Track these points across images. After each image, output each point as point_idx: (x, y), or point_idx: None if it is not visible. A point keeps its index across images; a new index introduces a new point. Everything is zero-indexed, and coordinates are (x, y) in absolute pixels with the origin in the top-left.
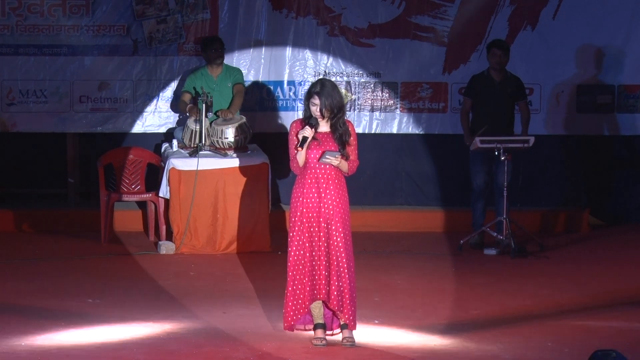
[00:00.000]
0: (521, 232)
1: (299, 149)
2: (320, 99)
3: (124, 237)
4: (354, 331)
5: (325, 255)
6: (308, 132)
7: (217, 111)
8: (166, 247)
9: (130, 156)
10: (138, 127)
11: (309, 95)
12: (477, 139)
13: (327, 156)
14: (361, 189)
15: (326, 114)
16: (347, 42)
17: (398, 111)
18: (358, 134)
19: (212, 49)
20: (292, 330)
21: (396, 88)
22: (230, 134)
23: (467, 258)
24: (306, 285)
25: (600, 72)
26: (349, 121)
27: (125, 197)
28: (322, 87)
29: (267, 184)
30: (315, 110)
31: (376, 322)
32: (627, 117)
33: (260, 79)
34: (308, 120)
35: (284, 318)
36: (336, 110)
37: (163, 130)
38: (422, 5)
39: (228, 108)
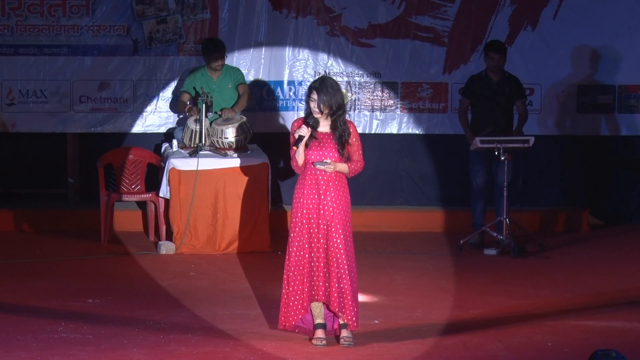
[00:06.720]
0: (521, 232)
1: (294, 148)
2: (318, 94)
3: (124, 237)
4: (354, 331)
5: (324, 257)
6: (304, 131)
7: (218, 110)
8: (166, 247)
9: (130, 156)
10: (138, 127)
11: (309, 90)
12: (477, 139)
13: (317, 166)
14: (361, 189)
15: (324, 111)
16: (347, 42)
17: (398, 111)
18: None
19: (212, 58)
20: (291, 330)
21: (396, 88)
22: (230, 134)
23: (467, 258)
24: (305, 286)
25: (600, 72)
26: (350, 121)
27: (125, 197)
28: (322, 83)
29: (267, 184)
30: (313, 106)
31: (376, 322)
32: (628, 117)
33: (260, 78)
34: (307, 118)
35: (279, 318)
36: (335, 108)
37: (163, 130)
38: (422, 5)
39: (232, 107)
